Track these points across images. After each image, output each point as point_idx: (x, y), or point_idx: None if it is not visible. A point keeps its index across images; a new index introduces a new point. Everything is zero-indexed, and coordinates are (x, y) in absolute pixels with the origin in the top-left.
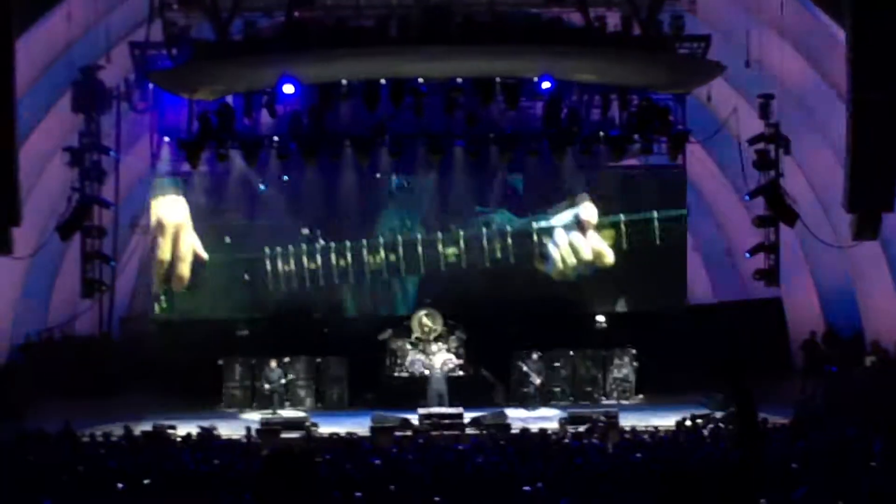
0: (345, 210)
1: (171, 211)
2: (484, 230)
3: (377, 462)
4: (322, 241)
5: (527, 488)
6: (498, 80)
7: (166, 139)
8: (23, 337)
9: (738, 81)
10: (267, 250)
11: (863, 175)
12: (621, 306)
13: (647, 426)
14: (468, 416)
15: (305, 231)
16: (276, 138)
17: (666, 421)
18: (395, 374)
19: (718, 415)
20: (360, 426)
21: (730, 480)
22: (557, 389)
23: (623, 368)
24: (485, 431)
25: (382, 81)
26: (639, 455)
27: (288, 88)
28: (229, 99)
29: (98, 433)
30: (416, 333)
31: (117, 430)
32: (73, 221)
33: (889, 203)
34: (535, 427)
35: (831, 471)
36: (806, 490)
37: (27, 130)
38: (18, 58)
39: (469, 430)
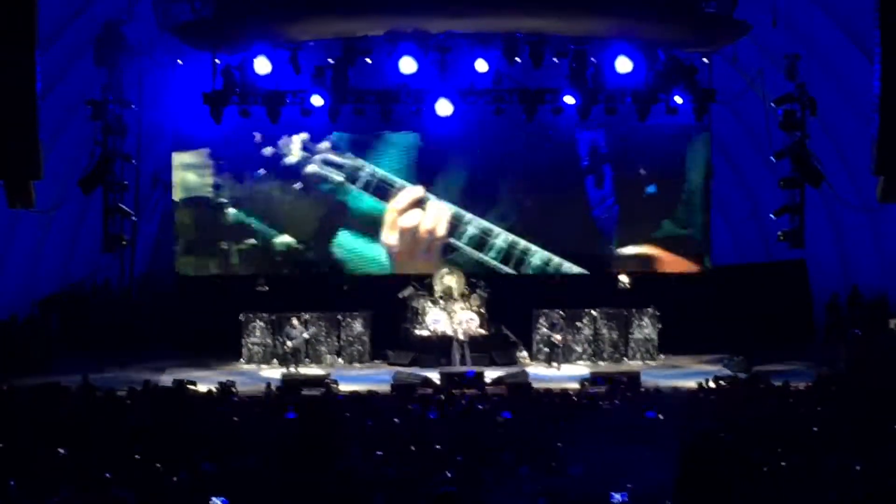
0: None
1: None
2: None
3: (398, 420)
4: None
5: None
6: (523, 37)
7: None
8: (44, 291)
9: (764, 41)
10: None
11: (890, 137)
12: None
13: (668, 387)
14: (489, 375)
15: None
16: (299, 93)
17: (688, 382)
18: (417, 331)
19: (741, 376)
20: (381, 384)
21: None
22: (579, 349)
23: (645, 329)
24: (506, 391)
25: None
26: (660, 416)
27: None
28: (252, 54)
29: (118, 387)
30: (438, 291)
31: (137, 385)
32: (95, 176)
33: None
34: (556, 387)
35: (853, 434)
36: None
37: (49, 84)
38: (41, 10)
39: (490, 389)
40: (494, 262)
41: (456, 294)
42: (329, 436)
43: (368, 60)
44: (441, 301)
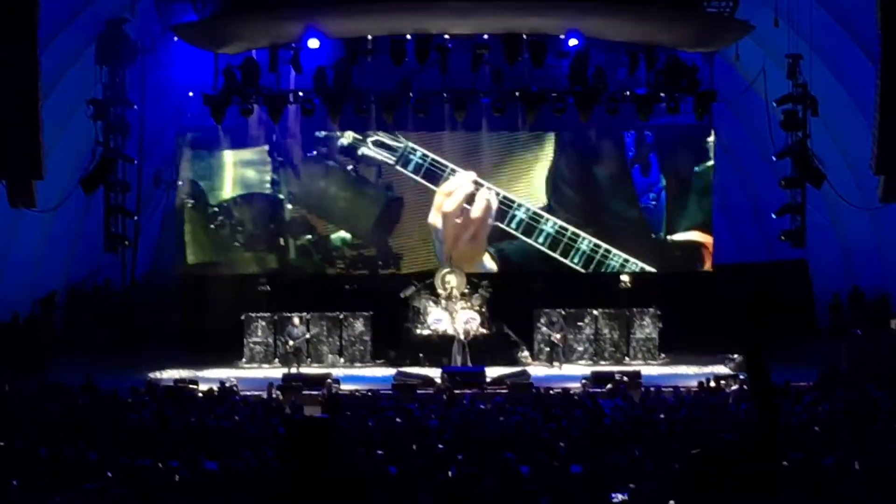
0: None
1: None
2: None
3: (399, 420)
4: None
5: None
6: (524, 37)
7: (190, 94)
8: (46, 291)
9: (766, 41)
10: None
11: (891, 137)
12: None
13: (669, 386)
14: (490, 375)
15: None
16: (301, 94)
17: (689, 382)
18: (418, 331)
19: (742, 376)
20: (382, 383)
21: (753, 442)
22: (580, 349)
23: (646, 328)
24: (507, 390)
25: (408, 37)
26: (662, 415)
27: (313, 43)
28: (254, 53)
29: (119, 387)
30: (440, 291)
31: (139, 385)
32: (97, 175)
33: None
34: (557, 386)
35: (854, 433)
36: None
37: (51, 83)
38: (43, 9)
39: (491, 389)
40: (542, 248)
41: (457, 293)
42: (330, 437)
43: (370, 60)
44: (443, 300)
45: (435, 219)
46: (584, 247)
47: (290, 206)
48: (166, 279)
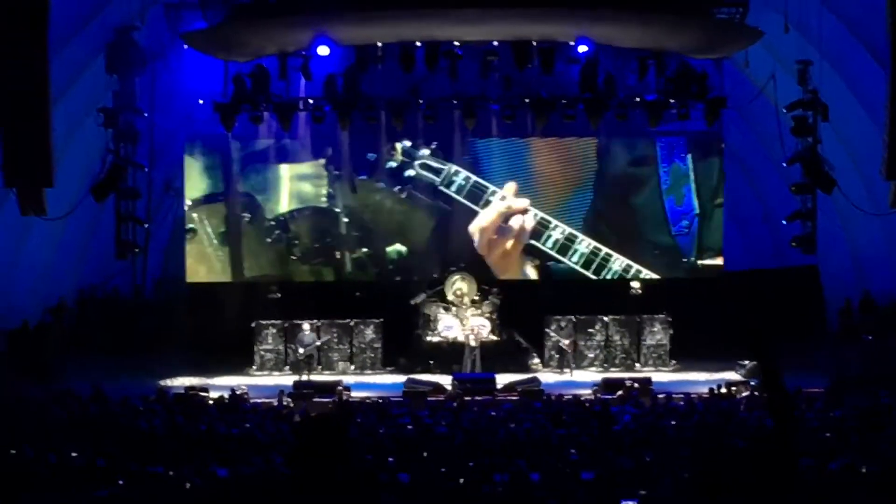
0: None
1: None
2: None
3: (410, 427)
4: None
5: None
6: (534, 43)
7: (200, 101)
8: (57, 298)
9: (776, 47)
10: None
11: None
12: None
13: (680, 393)
14: (501, 382)
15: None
16: (310, 101)
17: (700, 388)
18: (429, 338)
19: (753, 382)
20: (392, 391)
21: (766, 448)
22: (591, 355)
23: (657, 335)
24: (517, 397)
25: (418, 44)
26: (673, 422)
27: (323, 50)
28: (264, 61)
29: (130, 394)
30: (450, 298)
31: (150, 393)
32: (108, 183)
33: None
34: (568, 393)
35: (866, 438)
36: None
37: (61, 91)
38: (53, 17)
39: (502, 396)
40: (576, 267)
41: (468, 300)
42: (342, 435)
43: (379, 67)
44: (453, 307)
45: (475, 230)
46: (615, 266)
47: (345, 220)
48: (176, 286)
